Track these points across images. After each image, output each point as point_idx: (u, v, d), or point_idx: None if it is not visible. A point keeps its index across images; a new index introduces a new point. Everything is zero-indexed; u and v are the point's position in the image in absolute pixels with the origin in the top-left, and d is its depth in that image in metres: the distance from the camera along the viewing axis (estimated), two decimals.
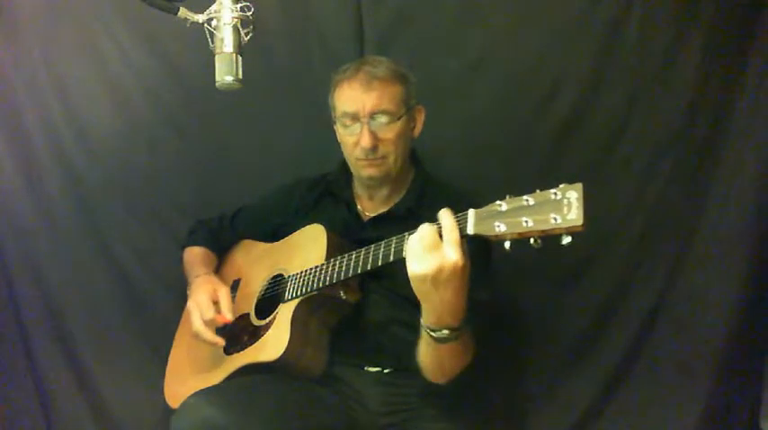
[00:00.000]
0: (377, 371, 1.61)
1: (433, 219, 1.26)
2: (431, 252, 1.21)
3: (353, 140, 1.60)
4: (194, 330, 1.63)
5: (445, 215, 1.22)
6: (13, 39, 2.11)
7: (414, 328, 1.58)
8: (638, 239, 1.98)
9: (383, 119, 1.58)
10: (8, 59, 2.11)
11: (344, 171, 1.73)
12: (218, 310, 1.63)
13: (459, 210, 1.25)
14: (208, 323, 1.62)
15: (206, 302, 1.64)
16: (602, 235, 1.98)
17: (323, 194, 1.78)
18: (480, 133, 2.03)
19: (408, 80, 1.64)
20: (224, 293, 1.66)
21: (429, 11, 2.03)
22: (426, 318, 1.31)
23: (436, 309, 1.27)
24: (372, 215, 1.70)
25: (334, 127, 1.68)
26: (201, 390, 1.50)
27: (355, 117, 1.58)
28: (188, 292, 1.76)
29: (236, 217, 1.91)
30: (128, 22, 2.09)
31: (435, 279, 1.21)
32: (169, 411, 1.64)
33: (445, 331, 1.30)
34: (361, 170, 1.63)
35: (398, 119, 1.59)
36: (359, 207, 1.72)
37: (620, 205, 1.98)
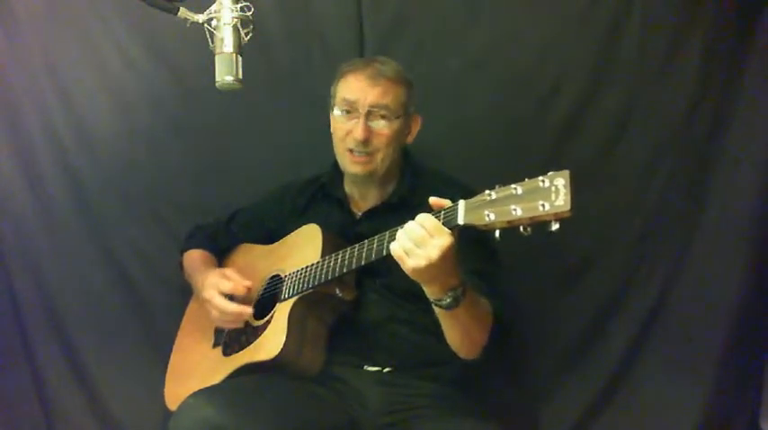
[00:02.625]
0: (376, 371, 1.61)
1: (426, 205, 1.27)
2: (420, 246, 1.22)
3: (347, 129, 1.61)
4: (218, 308, 1.63)
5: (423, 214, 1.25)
6: (13, 39, 2.11)
7: (412, 326, 1.59)
8: (638, 239, 1.98)
9: (382, 113, 1.59)
10: (8, 59, 2.11)
11: (337, 171, 1.74)
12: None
13: (451, 195, 1.26)
14: (229, 296, 1.64)
15: (220, 280, 1.66)
16: (602, 235, 1.98)
17: (315, 196, 1.79)
18: (480, 133, 2.03)
19: (411, 86, 1.66)
20: (231, 270, 1.69)
21: (429, 11, 2.03)
22: (431, 294, 1.32)
23: (435, 282, 1.29)
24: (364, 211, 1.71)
25: (330, 115, 1.68)
26: (200, 390, 1.50)
27: (354, 106, 1.60)
28: (196, 294, 1.78)
29: (232, 220, 1.92)
30: (128, 22, 2.09)
31: (430, 266, 1.22)
32: (169, 412, 1.64)
33: (450, 293, 1.30)
34: (348, 165, 1.65)
35: (396, 118, 1.61)
36: (352, 207, 1.73)
37: (620, 205, 1.98)
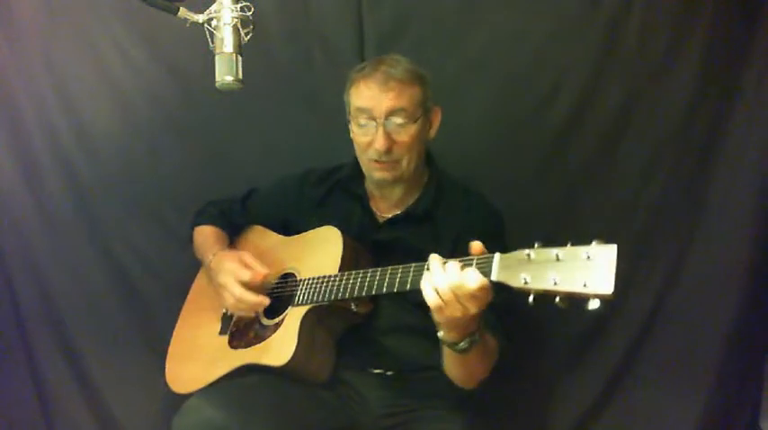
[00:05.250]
0: (379, 374, 1.61)
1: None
2: (462, 301, 1.19)
3: (367, 140, 1.57)
4: (236, 297, 1.58)
5: (474, 274, 1.18)
6: (13, 39, 2.11)
7: (418, 333, 1.57)
8: (638, 239, 1.98)
9: (399, 120, 1.55)
10: (8, 59, 2.11)
11: (358, 167, 1.69)
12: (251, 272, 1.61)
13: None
14: (246, 285, 1.59)
15: (237, 267, 1.61)
16: (602, 235, 1.97)
17: (333, 189, 1.75)
18: (480, 133, 2.03)
19: (426, 81, 1.61)
20: (248, 254, 1.64)
21: (429, 11, 2.03)
22: (446, 336, 1.29)
23: (455, 328, 1.27)
24: (387, 216, 1.67)
25: (349, 126, 1.66)
26: (203, 391, 1.51)
27: (370, 115, 1.55)
28: (206, 269, 1.74)
29: (248, 199, 1.87)
30: (128, 22, 2.09)
31: (455, 317, 1.21)
32: (169, 409, 1.64)
33: (467, 340, 1.28)
34: (374, 172, 1.61)
35: (415, 121, 1.57)
36: (372, 206, 1.70)
37: (620, 205, 1.98)
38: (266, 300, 1.59)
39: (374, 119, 1.55)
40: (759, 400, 1.96)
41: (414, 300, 1.53)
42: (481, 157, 2.02)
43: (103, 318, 2.14)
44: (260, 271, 1.60)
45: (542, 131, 2.01)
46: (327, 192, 1.75)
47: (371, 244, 1.58)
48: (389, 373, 1.61)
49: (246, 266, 1.61)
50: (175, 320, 1.90)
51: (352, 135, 1.64)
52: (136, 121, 2.13)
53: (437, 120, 1.66)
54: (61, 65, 2.11)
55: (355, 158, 1.69)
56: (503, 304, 1.45)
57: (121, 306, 2.14)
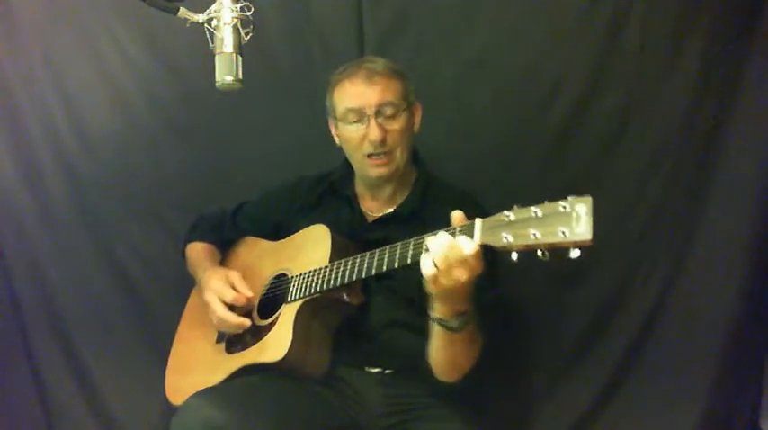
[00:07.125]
0: (378, 372, 1.61)
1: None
2: (455, 265, 1.21)
3: (360, 136, 1.59)
4: (217, 316, 1.63)
5: (467, 241, 1.20)
6: (13, 38, 2.11)
7: (415, 329, 1.56)
8: (638, 239, 1.98)
9: (388, 111, 1.59)
10: (8, 59, 2.11)
11: (348, 169, 1.73)
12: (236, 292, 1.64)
13: (458, 209, 1.26)
14: (229, 305, 1.63)
15: (223, 286, 1.65)
16: (602, 235, 1.96)
17: (326, 193, 1.77)
18: (480, 133, 2.03)
19: (406, 77, 1.65)
20: (236, 275, 1.68)
21: (429, 11, 2.03)
22: (438, 312, 1.32)
23: (447, 303, 1.29)
24: (377, 216, 1.69)
25: (332, 128, 1.68)
26: (202, 391, 1.50)
27: (361, 112, 1.58)
28: (198, 287, 1.77)
29: (238, 212, 1.90)
30: (128, 22, 2.09)
31: (448, 287, 1.23)
32: (169, 409, 1.65)
33: (458, 318, 1.31)
34: (369, 169, 1.63)
35: (403, 111, 1.61)
36: (362, 206, 1.72)
37: (620, 205, 1.98)
38: (247, 322, 1.63)
39: (365, 114, 1.58)
40: (759, 400, 1.96)
41: (404, 294, 1.55)
42: (481, 157, 2.02)
43: (103, 317, 2.14)
44: (244, 292, 1.64)
45: (542, 131, 2.00)
46: (320, 196, 1.78)
47: (362, 243, 1.58)
48: (388, 372, 1.61)
49: (232, 287, 1.65)
50: (176, 320, 1.91)
51: (340, 137, 1.66)
52: (136, 121, 2.14)
53: (419, 115, 1.69)
54: (61, 65, 2.12)
55: (344, 160, 1.71)
56: (488, 305, 1.47)
57: (121, 306, 2.15)
